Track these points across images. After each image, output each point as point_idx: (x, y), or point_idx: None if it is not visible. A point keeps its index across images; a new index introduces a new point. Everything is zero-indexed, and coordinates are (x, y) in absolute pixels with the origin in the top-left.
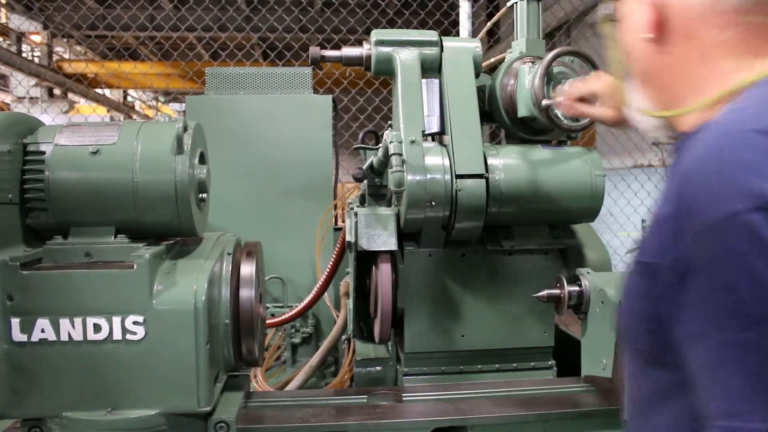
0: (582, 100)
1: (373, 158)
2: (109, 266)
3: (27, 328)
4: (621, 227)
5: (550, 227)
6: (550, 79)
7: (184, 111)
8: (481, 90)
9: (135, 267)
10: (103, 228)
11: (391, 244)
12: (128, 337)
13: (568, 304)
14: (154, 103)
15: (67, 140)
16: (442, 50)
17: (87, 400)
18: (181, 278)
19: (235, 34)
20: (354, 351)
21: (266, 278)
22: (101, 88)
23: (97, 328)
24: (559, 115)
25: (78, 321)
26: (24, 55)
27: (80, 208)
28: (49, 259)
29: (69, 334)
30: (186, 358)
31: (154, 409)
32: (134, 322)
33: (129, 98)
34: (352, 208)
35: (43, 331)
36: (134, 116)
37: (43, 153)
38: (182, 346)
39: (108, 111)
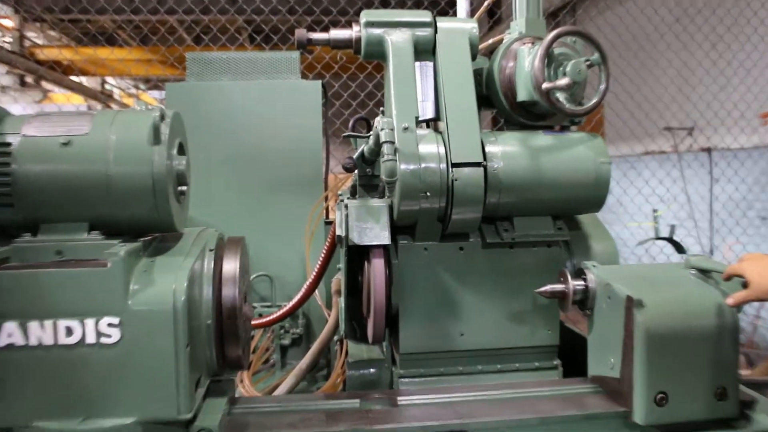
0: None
1: (364, 147)
2: (82, 265)
3: None
4: (631, 218)
5: (554, 218)
6: (551, 60)
7: (164, 99)
8: (478, 73)
9: (109, 265)
10: (75, 224)
11: (383, 237)
12: (102, 340)
13: (573, 300)
14: (134, 91)
15: (36, 131)
16: (436, 31)
17: (59, 408)
18: (159, 277)
19: (218, 16)
20: (346, 352)
21: (253, 276)
22: (76, 75)
23: (69, 331)
24: (561, 99)
25: (48, 324)
26: None
27: (50, 203)
28: (17, 258)
29: (39, 338)
30: (165, 362)
31: (131, 417)
32: (109, 324)
33: (107, 86)
34: (342, 200)
35: (10, 335)
36: (113, 105)
37: (10, 144)
38: (161, 350)
39: (85, 100)
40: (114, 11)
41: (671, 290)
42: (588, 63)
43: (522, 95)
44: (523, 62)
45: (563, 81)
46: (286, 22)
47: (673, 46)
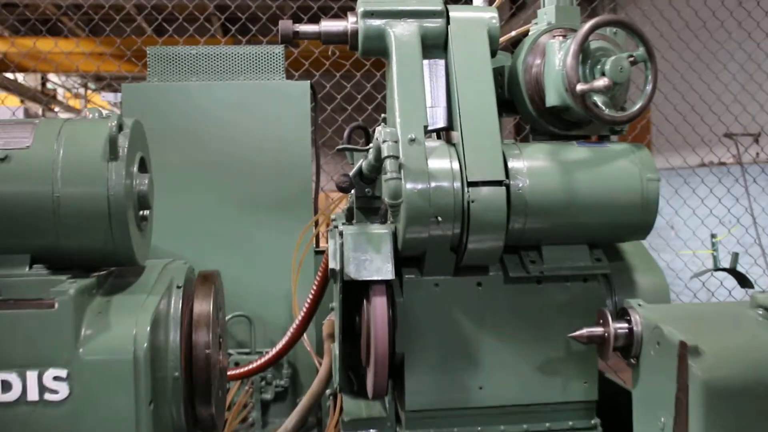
0: None
1: (362, 162)
2: (23, 305)
3: None
4: (684, 244)
5: (590, 247)
6: (586, 57)
7: (120, 103)
8: (499, 72)
9: (56, 306)
10: (14, 256)
11: (386, 271)
12: (47, 396)
13: (615, 346)
14: (81, 91)
15: None
16: (448, 22)
17: None
18: (116, 320)
19: (184, 2)
20: (341, 409)
21: (228, 317)
22: (12, 71)
23: (5, 386)
24: (599, 103)
25: None
26: None
27: None
28: None
29: None
30: (123, 423)
31: None
32: (55, 378)
33: (49, 85)
34: (336, 226)
35: None
36: (56, 108)
37: None
38: (118, 408)
39: (22, 101)
40: None
41: (734, 334)
42: (631, 59)
43: (552, 99)
44: (553, 59)
45: (601, 82)
46: (267, 9)
47: (735, 35)
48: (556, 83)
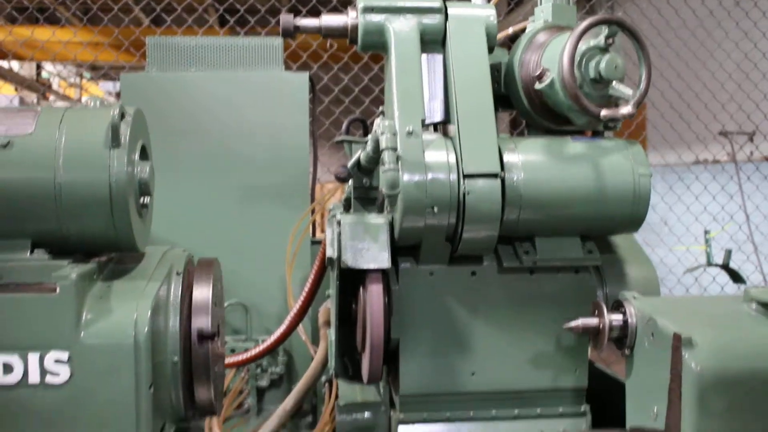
0: None
1: (360, 153)
2: (24, 289)
3: None
4: (678, 240)
5: (583, 239)
6: (580, 60)
7: (118, 93)
8: (495, 68)
9: (58, 290)
10: (16, 241)
11: (382, 260)
12: (49, 379)
13: (609, 337)
14: (77, 80)
15: None
16: (446, 19)
17: None
18: (117, 305)
19: None
20: (336, 394)
21: (225, 304)
22: (8, 60)
23: (7, 368)
24: (621, 114)
25: None
26: None
27: None
28: None
29: None
30: (123, 406)
31: None
32: (56, 361)
33: (44, 74)
34: (334, 216)
35: None
36: (51, 97)
37: None
38: (118, 391)
39: (17, 90)
40: None
41: (727, 328)
42: (610, 42)
43: (579, 122)
44: (559, 95)
45: (624, 110)
46: (265, 1)
47: (732, 34)
48: (572, 110)
